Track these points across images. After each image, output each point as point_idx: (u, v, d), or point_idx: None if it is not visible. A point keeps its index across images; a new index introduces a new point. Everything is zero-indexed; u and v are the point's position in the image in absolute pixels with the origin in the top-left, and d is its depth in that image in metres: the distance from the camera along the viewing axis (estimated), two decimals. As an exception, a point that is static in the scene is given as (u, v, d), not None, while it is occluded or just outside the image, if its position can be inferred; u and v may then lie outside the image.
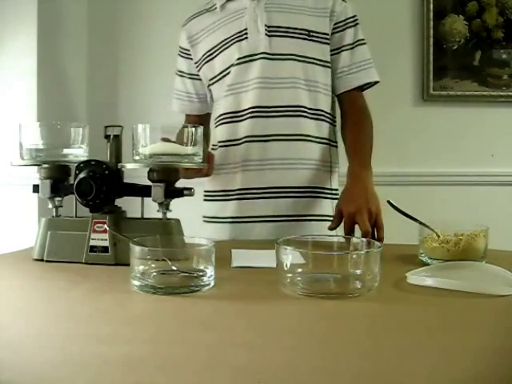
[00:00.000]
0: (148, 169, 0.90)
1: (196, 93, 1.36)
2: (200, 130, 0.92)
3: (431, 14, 2.15)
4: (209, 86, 1.31)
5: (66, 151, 0.95)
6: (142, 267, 0.72)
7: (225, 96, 1.25)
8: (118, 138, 0.94)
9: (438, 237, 0.92)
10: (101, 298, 0.70)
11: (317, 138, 1.24)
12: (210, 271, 0.73)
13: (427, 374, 0.45)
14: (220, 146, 1.27)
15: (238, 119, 1.23)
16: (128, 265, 0.73)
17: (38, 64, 1.93)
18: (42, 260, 0.91)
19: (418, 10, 2.17)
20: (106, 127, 0.94)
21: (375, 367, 0.47)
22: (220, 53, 1.24)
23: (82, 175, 0.89)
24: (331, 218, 1.14)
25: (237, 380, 0.44)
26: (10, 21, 1.93)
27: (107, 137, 0.94)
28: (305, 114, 1.21)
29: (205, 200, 1.32)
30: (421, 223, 0.95)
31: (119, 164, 0.93)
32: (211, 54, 1.27)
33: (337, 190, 1.28)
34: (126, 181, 0.94)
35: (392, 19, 2.17)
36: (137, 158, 0.90)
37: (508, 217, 2.07)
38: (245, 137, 1.21)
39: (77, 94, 2.18)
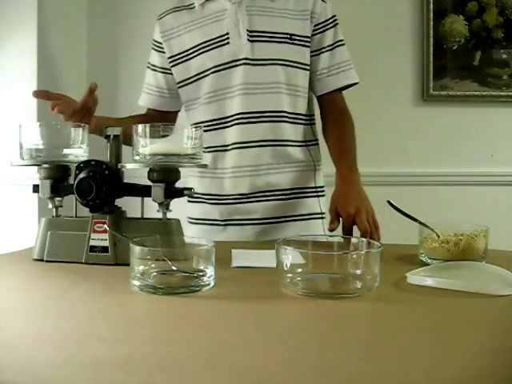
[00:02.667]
0: (148, 169, 0.90)
1: (168, 88, 1.31)
2: (200, 130, 0.92)
3: (431, 14, 2.15)
4: (180, 86, 1.28)
5: (65, 151, 0.95)
6: (141, 267, 0.72)
7: (206, 103, 1.23)
8: (117, 138, 0.94)
9: (438, 237, 0.92)
10: (101, 298, 0.70)
11: (295, 141, 1.24)
12: (210, 271, 0.73)
13: (427, 373, 0.45)
14: (206, 152, 1.25)
15: (223, 126, 1.22)
16: (128, 265, 0.73)
17: (38, 64, 1.93)
18: (42, 260, 0.91)
19: (418, 10, 2.17)
20: (106, 127, 0.94)
21: (375, 367, 0.47)
22: (198, 55, 1.22)
23: (82, 175, 0.89)
24: (318, 216, 1.21)
25: (237, 380, 0.44)
26: (9, 21, 1.93)
27: (107, 137, 0.94)
28: (286, 118, 1.22)
29: (189, 201, 1.31)
30: (421, 223, 0.95)
31: (119, 164, 0.92)
32: (188, 55, 1.24)
33: (322, 187, 1.29)
34: (126, 181, 0.94)
35: (392, 19, 2.18)
36: (137, 158, 0.90)
37: (508, 217, 2.07)
38: (233, 143, 1.21)
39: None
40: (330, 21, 1.25)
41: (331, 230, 1.09)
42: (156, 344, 0.52)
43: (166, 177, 0.89)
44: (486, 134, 2.19)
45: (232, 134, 1.21)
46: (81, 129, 0.97)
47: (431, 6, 2.15)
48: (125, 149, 0.95)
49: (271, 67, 1.19)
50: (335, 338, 0.55)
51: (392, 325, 0.59)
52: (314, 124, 1.31)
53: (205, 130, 1.23)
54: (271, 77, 1.19)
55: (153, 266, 0.73)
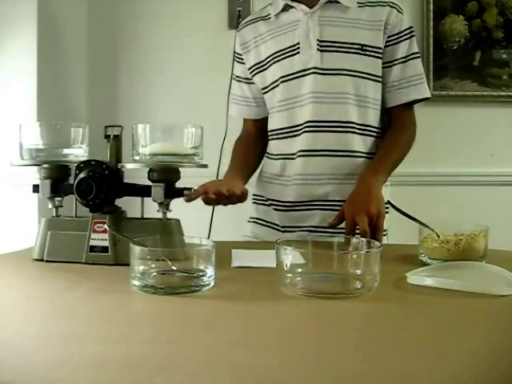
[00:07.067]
0: (148, 169, 0.90)
1: (253, 97, 1.35)
2: (200, 130, 0.92)
3: (431, 14, 2.15)
4: (263, 93, 1.32)
5: (66, 151, 0.95)
6: (142, 267, 0.72)
7: (279, 111, 1.26)
8: (118, 137, 0.94)
9: (438, 237, 0.92)
10: (101, 298, 0.70)
11: (364, 153, 1.23)
12: (210, 271, 0.73)
13: (427, 373, 0.45)
14: (277, 159, 1.28)
15: (294, 134, 1.23)
16: (128, 265, 0.73)
17: (38, 64, 1.93)
18: (42, 260, 0.91)
19: (418, 10, 2.17)
20: (106, 127, 0.94)
21: (375, 367, 0.47)
22: (272, 65, 1.25)
23: (82, 175, 0.89)
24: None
25: (237, 380, 0.44)
26: (9, 21, 1.93)
27: (107, 137, 0.94)
28: (354, 129, 1.21)
29: (254, 203, 1.34)
30: (421, 223, 0.95)
31: (119, 164, 0.93)
32: (264, 65, 1.27)
33: (387, 203, 1.19)
34: (126, 181, 0.94)
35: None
36: (137, 158, 0.91)
37: (508, 217, 2.07)
38: (299, 151, 1.22)
39: (77, 94, 2.18)
40: (405, 32, 1.22)
41: (329, 226, 1.09)
42: (156, 344, 0.52)
43: (166, 177, 0.90)
44: (486, 133, 2.19)
45: (300, 142, 1.22)
46: (81, 129, 0.97)
47: (431, 5, 2.15)
48: (125, 149, 0.95)
49: (339, 77, 1.19)
50: (335, 338, 0.55)
51: (392, 325, 0.59)
52: None
53: (276, 138, 1.28)
54: (339, 87, 1.19)
55: (153, 266, 0.73)
